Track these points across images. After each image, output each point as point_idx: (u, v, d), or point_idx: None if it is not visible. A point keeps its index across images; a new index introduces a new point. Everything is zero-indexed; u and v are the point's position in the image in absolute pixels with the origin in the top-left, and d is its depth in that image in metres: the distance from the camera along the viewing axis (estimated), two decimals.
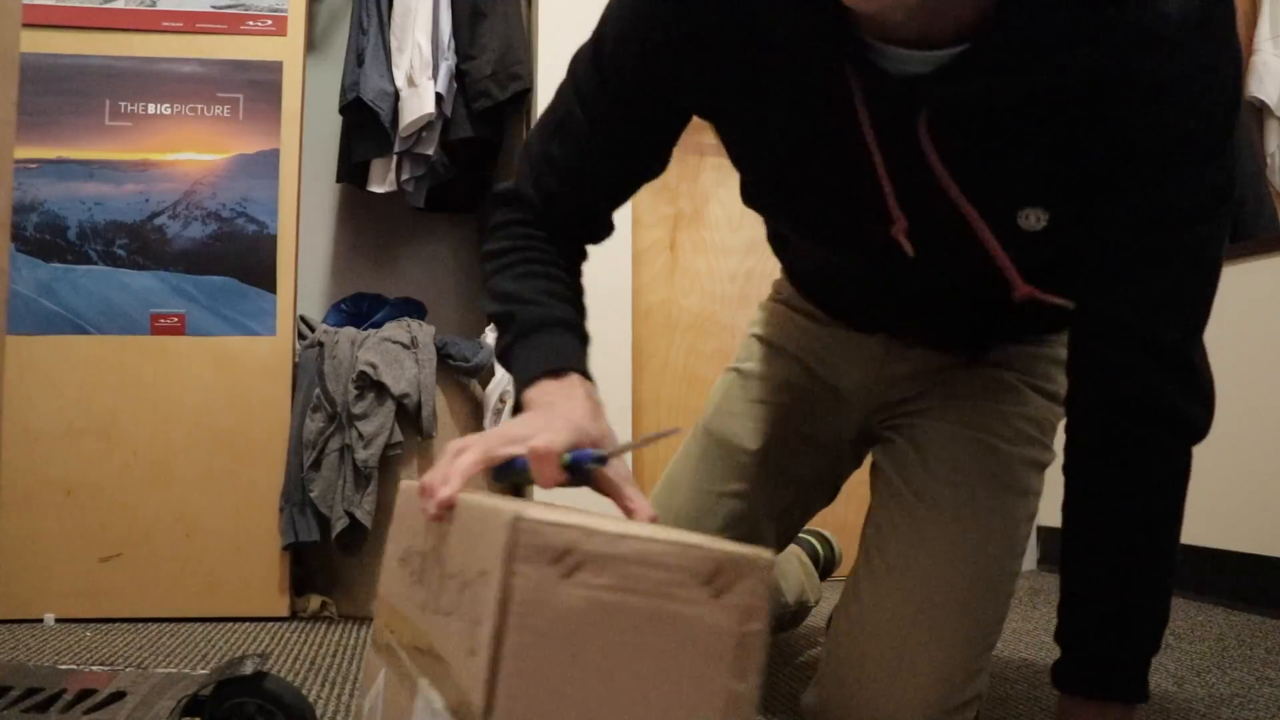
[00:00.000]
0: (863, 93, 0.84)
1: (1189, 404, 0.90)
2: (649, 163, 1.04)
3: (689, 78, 0.93)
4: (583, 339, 0.96)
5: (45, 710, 0.99)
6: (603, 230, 1.07)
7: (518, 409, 0.90)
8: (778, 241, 1.27)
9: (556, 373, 0.89)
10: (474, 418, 2.29)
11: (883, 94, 0.83)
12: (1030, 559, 2.86)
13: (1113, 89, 0.80)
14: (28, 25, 2.06)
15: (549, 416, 0.82)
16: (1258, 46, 2.23)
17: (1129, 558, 0.93)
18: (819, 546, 1.84)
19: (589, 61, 0.98)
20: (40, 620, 2.02)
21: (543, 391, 0.87)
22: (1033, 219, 0.88)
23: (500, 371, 2.27)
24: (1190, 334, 0.89)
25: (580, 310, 1.00)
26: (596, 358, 1.04)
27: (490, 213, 1.07)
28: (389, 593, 0.79)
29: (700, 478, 1.28)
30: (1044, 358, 1.19)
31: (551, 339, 0.92)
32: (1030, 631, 1.93)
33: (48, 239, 2.10)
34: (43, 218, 2.10)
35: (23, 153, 2.08)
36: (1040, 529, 2.85)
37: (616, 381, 2.47)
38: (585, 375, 0.90)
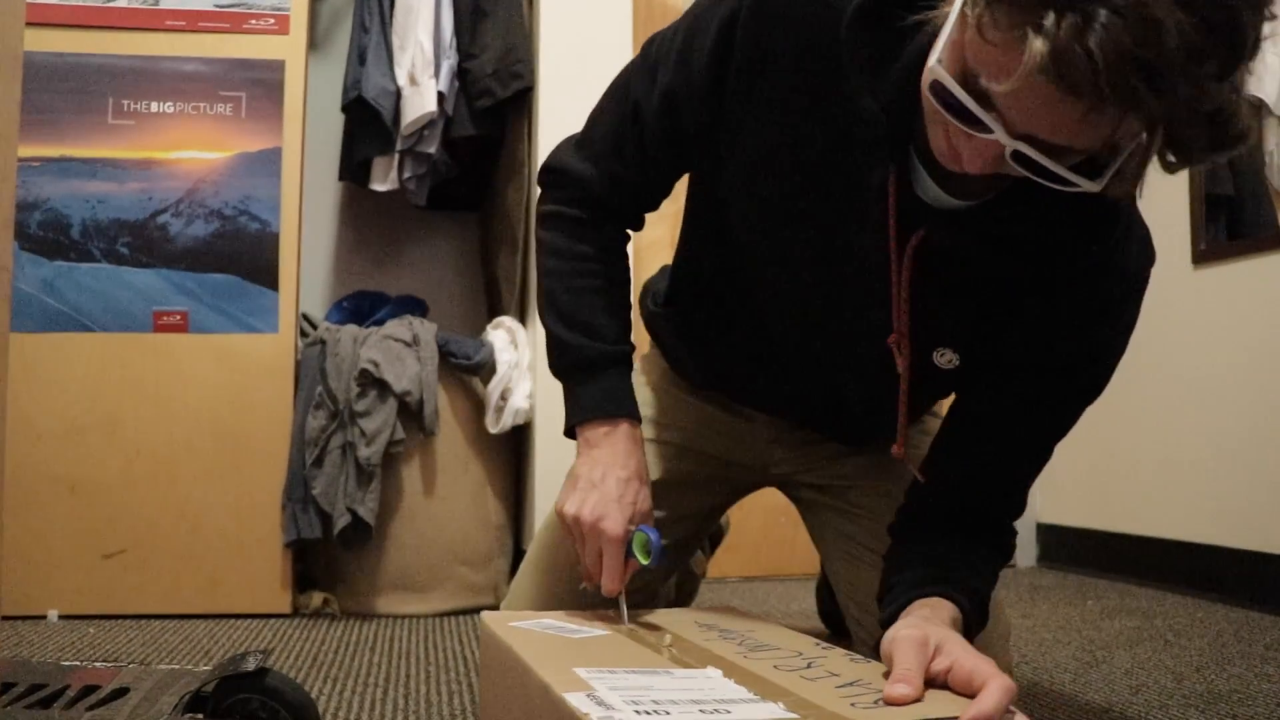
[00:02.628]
0: (895, 196, 0.93)
1: (1010, 518, 1.08)
2: (683, 167, 1.14)
3: (749, 92, 0.99)
4: (630, 364, 1.14)
5: (49, 706, 0.99)
6: (642, 221, 1.20)
7: (571, 435, 1.12)
8: (684, 304, 1.27)
9: (610, 418, 1.09)
10: (475, 415, 2.29)
11: (900, 209, 0.94)
12: (1030, 556, 2.87)
13: (1065, 286, 0.96)
14: (31, 24, 2.07)
15: (604, 499, 1.04)
16: None
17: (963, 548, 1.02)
18: None
19: (672, 56, 1.04)
20: (44, 617, 2.03)
21: (594, 441, 1.09)
22: (945, 358, 1.02)
23: (501, 369, 2.27)
24: (1035, 475, 1.08)
25: (626, 316, 1.15)
26: None
27: (542, 187, 1.18)
28: None
29: None
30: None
31: (608, 382, 1.11)
32: (1030, 628, 1.93)
33: (51, 237, 2.11)
34: (46, 215, 2.11)
35: (26, 151, 2.08)
36: (1039, 526, 2.85)
37: None
38: (634, 420, 1.10)
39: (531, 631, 0.95)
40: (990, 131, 0.76)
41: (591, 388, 1.10)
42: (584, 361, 1.11)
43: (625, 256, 1.18)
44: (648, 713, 0.64)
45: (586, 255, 1.13)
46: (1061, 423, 1.05)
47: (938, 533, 1.02)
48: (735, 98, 1.00)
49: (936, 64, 0.77)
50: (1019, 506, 1.08)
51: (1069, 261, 0.95)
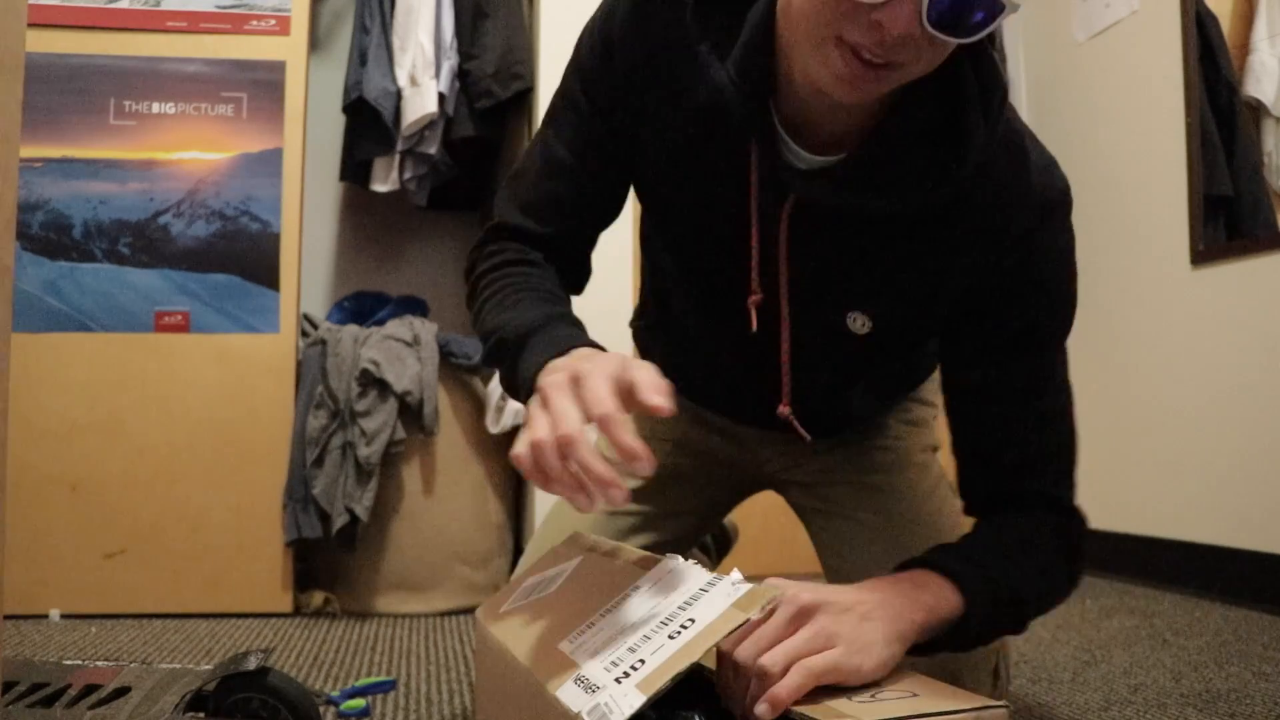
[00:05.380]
0: (758, 169, 0.94)
1: (1075, 533, 1.01)
2: (616, 195, 1.08)
3: (629, 104, 1.00)
4: (581, 326, 0.95)
5: (50, 705, 1.00)
6: (586, 273, 1.12)
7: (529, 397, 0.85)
8: (651, 316, 1.27)
9: (565, 350, 0.86)
10: (476, 415, 2.30)
11: (771, 176, 0.94)
12: None
13: (970, 230, 0.92)
14: (33, 25, 2.07)
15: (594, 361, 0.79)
16: (1254, 46, 2.23)
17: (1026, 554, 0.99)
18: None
19: (560, 97, 1.05)
20: (45, 616, 2.03)
21: (557, 365, 0.82)
22: (859, 323, 0.99)
23: None
24: (1059, 445, 0.99)
25: (566, 308, 1.00)
26: None
27: (483, 243, 1.10)
28: None
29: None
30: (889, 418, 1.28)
31: (556, 331, 0.90)
32: (1029, 628, 1.93)
33: (53, 237, 2.11)
34: (48, 216, 2.11)
35: (28, 151, 2.09)
36: None
37: None
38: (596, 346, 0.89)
39: (516, 614, 0.95)
40: None
41: (538, 341, 0.90)
42: (523, 328, 0.92)
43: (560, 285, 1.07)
44: (625, 673, 0.68)
45: (518, 272, 1.03)
46: (1049, 376, 0.98)
47: (987, 512, 1.00)
48: (621, 95, 0.99)
49: None
50: (1056, 481, 1.00)
51: (943, 196, 0.90)
